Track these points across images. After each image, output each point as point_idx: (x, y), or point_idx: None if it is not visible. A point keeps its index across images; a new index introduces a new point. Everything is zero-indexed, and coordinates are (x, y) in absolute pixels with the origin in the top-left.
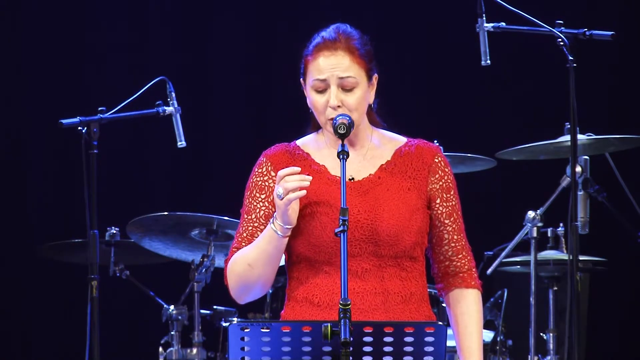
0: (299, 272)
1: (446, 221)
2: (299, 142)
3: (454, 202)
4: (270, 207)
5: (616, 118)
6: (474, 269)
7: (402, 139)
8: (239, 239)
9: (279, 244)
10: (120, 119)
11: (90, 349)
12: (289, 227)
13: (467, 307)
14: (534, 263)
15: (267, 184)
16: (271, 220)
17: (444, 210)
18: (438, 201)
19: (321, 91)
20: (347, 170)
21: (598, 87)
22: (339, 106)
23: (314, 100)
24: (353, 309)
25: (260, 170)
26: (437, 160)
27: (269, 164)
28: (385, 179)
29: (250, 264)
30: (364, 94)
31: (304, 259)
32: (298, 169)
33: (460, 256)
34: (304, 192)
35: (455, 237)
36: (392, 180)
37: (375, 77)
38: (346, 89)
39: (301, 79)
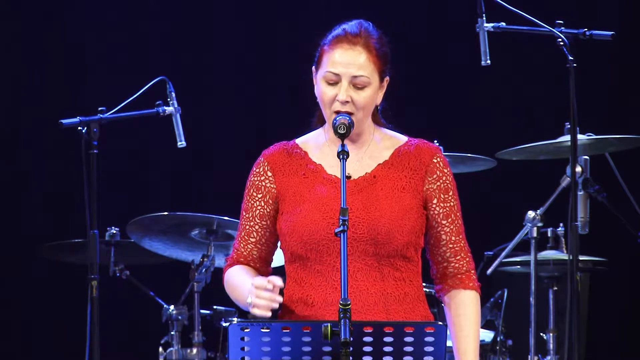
0: (294, 272)
1: (443, 222)
2: (298, 140)
3: (452, 203)
4: (265, 206)
5: (616, 118)
6: (472, 271)
7: (403, 138)
8: (239, 239)
9: None
10: (120, 119)
11: (90, 349)
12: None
13: (464, 309)
14: (534, 263)
15: (263, 184)
16: (249, 295)
17: (441, 211)
18: (435, 201)
19: (332, 84)
20: (346, 168)
21: (598, 87)
22: (346, 102)
23: (323, 91)
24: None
25: (257, 170)
26: (435, 161)
27: (266, 164)
28: (381, 178)
29: (236, 298)
30: (373, 94)
31: (297, 258)
32: (270, 286)
33: (458, 257)
34: (269, 314)
35: (453, 238)
36: (387, 180)
37: (386, 79)
38: (357, 86)
39: (313, 67)
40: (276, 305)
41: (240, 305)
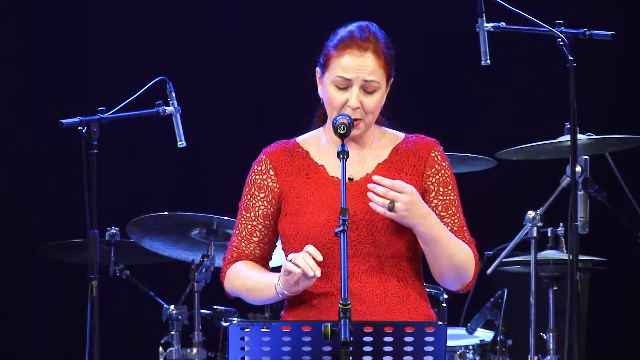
0: None
1: (442, 214)
2: (299, 139)
3: (452, 197)
4: (269, 206)
5: (616, 118)
6: (474, 251)
7: (401, 135)
8: (239, 239)
9: (277, 297)
10: (120, 119)
11: (90, 349)
12: (289, 294)
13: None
14: (534, 263)
15: (265, 182)
16: (278, 277)
17: (439, 204)
18: (433, 195)
19: (342, 88)
20: (347, 170)
21: (598, 87)
22: (357, 107)
23: (332, 96)
24: (352, 311)
25: (259, 168)
26: (433, 155)
27: (268, 162)
28: None
29: (248, 289)
30: (382, 98)
31: None
32: (320, 258)
33: None
34: (298, 270)
35: (454, 229)
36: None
37: (391, 80)
38: (367, 91)
39: (317, 68)
40: (313, 275)
41: (248, 295)
